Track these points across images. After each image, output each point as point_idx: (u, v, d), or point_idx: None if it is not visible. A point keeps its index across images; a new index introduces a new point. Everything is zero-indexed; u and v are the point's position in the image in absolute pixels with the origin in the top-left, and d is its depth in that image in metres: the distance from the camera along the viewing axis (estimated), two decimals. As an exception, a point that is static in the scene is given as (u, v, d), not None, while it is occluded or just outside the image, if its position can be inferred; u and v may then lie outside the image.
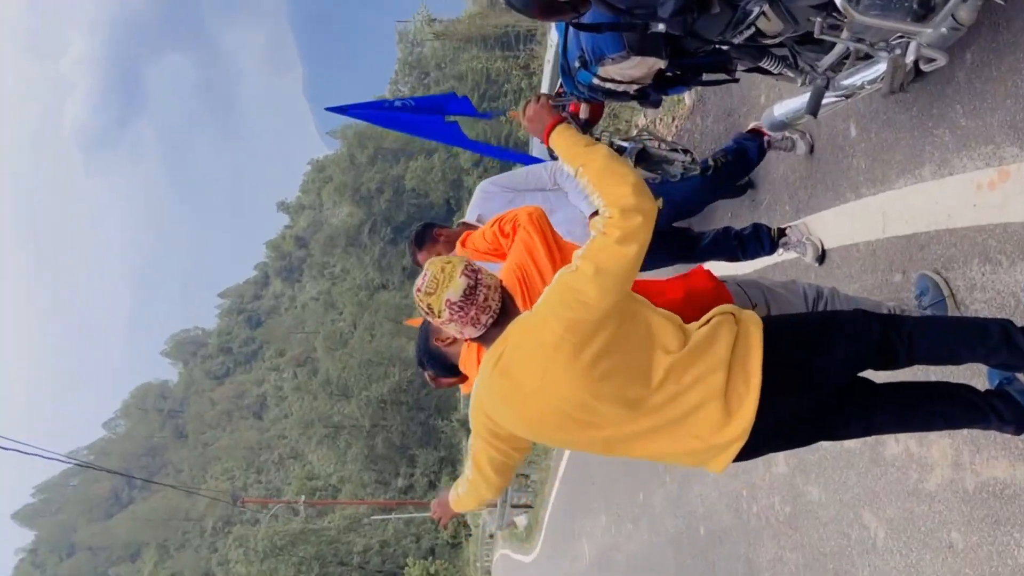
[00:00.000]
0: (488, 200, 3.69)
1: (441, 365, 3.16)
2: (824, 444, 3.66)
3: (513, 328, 1.99)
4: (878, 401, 2.17)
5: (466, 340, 2.10)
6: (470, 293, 1.95)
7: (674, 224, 4.16)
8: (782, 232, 3.84)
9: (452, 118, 4.94)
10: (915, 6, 2.25)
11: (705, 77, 3.10)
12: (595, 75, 2.86)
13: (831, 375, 2.07)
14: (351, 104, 4.94)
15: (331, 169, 59.86)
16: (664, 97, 3.32)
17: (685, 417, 1.97)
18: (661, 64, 2.83)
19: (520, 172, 3.80)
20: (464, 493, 2.47)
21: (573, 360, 1.92)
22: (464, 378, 3.28)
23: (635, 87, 2.93)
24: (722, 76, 3.09)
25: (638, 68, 2.80)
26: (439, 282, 1.95)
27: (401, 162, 50.99)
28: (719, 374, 1.95)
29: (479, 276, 1.98)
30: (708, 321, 2.06)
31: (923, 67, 2.44)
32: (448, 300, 1.94)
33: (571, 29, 2.86)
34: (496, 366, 1.99)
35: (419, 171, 47.39)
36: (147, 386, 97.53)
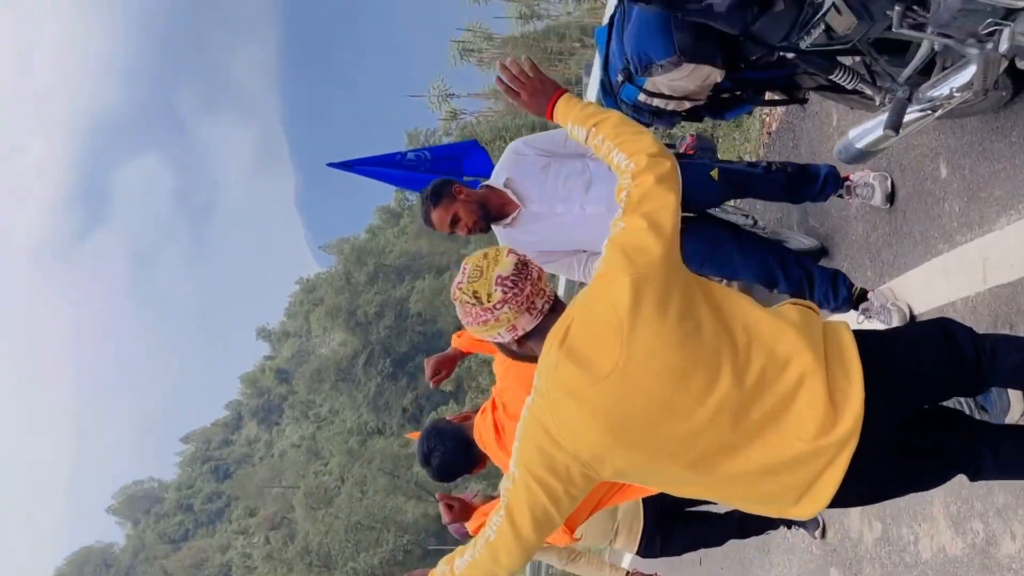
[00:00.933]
0: (520, 164, 3.71)
1: (455, 449, 3.20)
2: (924, 556, 3.58)
3: (576, 305, 2.02)
4: (983, 435, 2.18)
5: (516, 339, 2.06)
6: (522, 268, 2.00)
7: None
8: (863, 295, 3.88)
9: (470, 178, 5.12)
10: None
11: (768, 96, 3.23)
12: (642, 88, 3.00)
13: (924, 383, 2.09)
14: (356, 159, 5.14)
15: (323, 290, 60.80)
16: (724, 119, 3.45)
17: (785, 407, 1.96)
18: (717, 76, 2.97)
19: (559, 133, 3.71)
20: (465, 567, 2.14)
21: (660, 317, 1.92)
22: (483, 464, 3.29)
23: (687, 105, 3.07)
24: (787, 97, 3.23)
25: (690, 78, 2.94)
26: (484, 267, 2.01)
27: (406, 282, 51.76)
28: (814, 352, 1.97)
29: (526, 257, 2.05)
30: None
31: (1020, 63, 2.55)
32: (499, 276, 1.98)
33: (614, 39, 3.03)
34: (562, 346, 1.96)
35: (427, 292, 47.82)
36: (87, 551, 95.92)
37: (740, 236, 3.97)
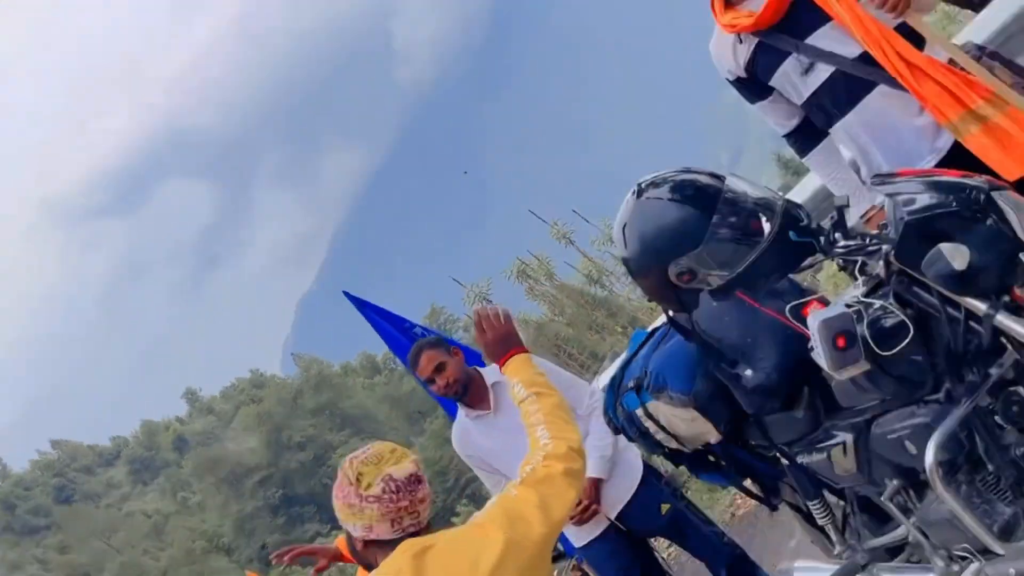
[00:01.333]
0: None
1: None
2: None
3: (444, 535, 1.99)
4: None
5: (364, 540, 2.05)
6: (414, 482, 2.01)
7: None
8: None
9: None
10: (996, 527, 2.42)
11: (747, 483, 3.25)
12: (643, 405, 3.04)
13: None
14: (372, 304, 5.22)
15: (268, 392, 60.04)
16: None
17: None
18: (712, 437, 3.00)
19: (561, 379, 3.89)
20: None
21: None
22: None
23: (673, 444, 3.08)
24: (761, 494, 3.24)
25: (689, 425, 2.97)
26: (383, 458, 2.04)
27: (345, 433, 50.98)
28: None
29: (424, 476, 2.05)
30: None
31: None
32: (390, 475, 1.99)
33: (647, 348, 3.11)
34: (415, 559, 1.92)
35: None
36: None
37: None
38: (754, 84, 2.93)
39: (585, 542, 4.00)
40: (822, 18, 2.64)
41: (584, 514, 3.83)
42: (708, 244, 2.19)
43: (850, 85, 2.71)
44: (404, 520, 2.00)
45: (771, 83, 2.86)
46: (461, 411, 3.99)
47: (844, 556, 2.99)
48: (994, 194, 1.99)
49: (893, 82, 2.58)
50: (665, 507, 3.90)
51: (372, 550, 2.05)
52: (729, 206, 2.20)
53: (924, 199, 2.02)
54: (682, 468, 3.34)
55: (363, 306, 5.24)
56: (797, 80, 2.79)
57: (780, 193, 2.27)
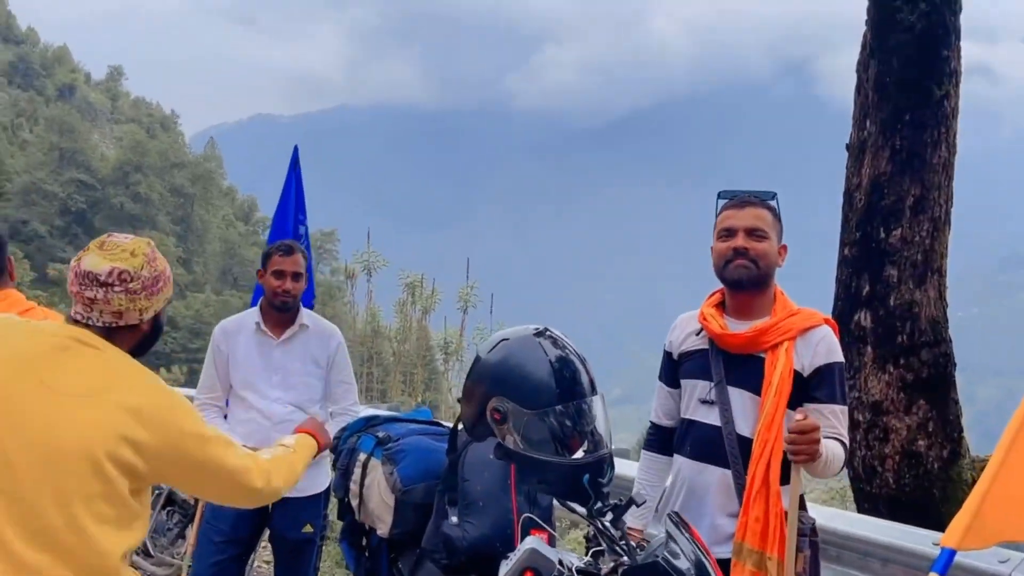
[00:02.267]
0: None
1: None
2: None
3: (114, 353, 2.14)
4: None
5: None
6: (90, 279, 2.12)
7: None
8: None
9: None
10: None
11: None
12: (370, 455, 3.11)
13: None
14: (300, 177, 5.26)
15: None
16: None
17: None
18: (381, 529, 3.08)
19: (346, 373, 4.18)
20: None
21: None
22: None
23: (354, 502, 3.15)
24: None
25: (379, 502, 3.04)
26: (114, 247, 2.16)
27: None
28: None
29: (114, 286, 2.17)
30: None
31: None
32: (82, 260, 2.16)
33: (419, 427, 3.21)
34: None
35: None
36: None
37: None
38: (674, 370, 3.06)
39: None
40: (754, 388, 2.79)
41: None
42: (537, 417, 2.31)
43: (714, 447, 2.85)
44: (76, 305, 2.12)
45: (681, 382, 3.00)
46: (255, 315, 4.03)
47: None
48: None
49: (740, 478, 2.77)
50: (308, 528, 3.93)
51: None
52: (577, 413, 2.33)
53: (683, 564, 2.16)
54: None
55: (295, 170, 5.26)
56: (695, 402, 2.93)
57: (611, 447, 2.39)
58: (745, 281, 2.81)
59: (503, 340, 2.45)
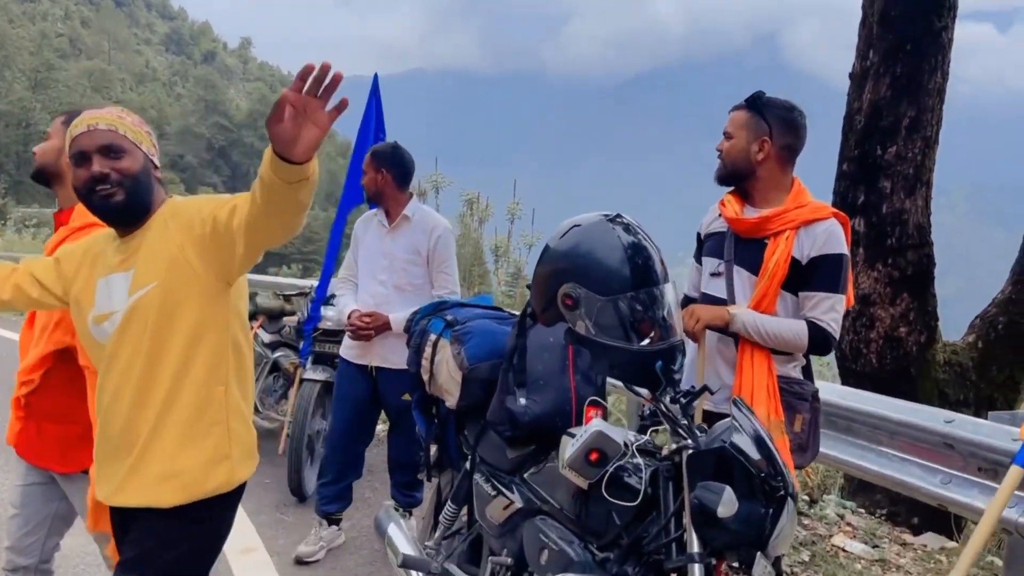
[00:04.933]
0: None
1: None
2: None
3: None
4: None
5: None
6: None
7: None
8: None
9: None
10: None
11: (433, 447, 2.79)
12: (439, 335, 2.56)
13: None
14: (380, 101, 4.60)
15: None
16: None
17: None
18: (450, 401, 2.54)
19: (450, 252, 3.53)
20: None
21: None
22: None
23: (424, 376, 2.61)
24: (432, 462, 2.79)
25: (447, 378, 2.49)
26: (101, 113, 1.77)
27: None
28: None
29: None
30: None
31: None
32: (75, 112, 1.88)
33: (483, 311, 2.63)
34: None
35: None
36: None
37: None
38: (700, 248, 2.60)
39: (347, 357, 3.50)
40: (755, 269, 2.33)
41: (361, 330, 3.35)
42: (611, 303, 1.72)
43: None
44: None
45: (702, 259, 2.55)
46: (374, 211, 3.56)
47: (424, 550, 2.59)
48: (790, 498, 1.59)
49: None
50: (407, 396, 3.39)
51: None
52: (651, 300, 1.73)
53: (750, 448, 1.60)
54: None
55: (375, 94, 4.60)
56: (707, 276, 2.50)
57: (682, 334, 1.81)
58: (717, 177, 2.47)
59: (575, 226, 1.83)
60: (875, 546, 3.80)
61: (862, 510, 4.35)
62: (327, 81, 1.35)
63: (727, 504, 1.52)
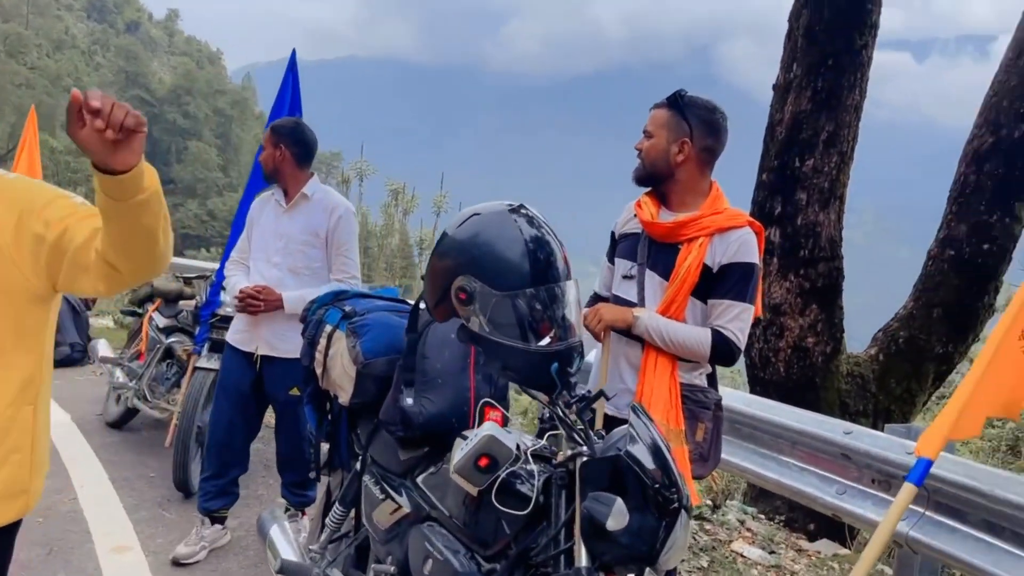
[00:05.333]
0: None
1: None
2: None
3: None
4: None
5: None
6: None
7: None
8: None
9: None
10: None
11: (324, 446, 2.63)
12: (335, 327, 2.40)
13: None
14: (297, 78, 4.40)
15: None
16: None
17: None
18: (343, 398, 2.40)
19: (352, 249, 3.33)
20: None
21: None
22: None
23: (318, 370, 2.45)
24: (321, 462, 2.63)
25: (340, 372, 2.34)
26: None
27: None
28: None
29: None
30: None
31: None
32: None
33: (384, 304, 2.48)
34: None
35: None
36: None
37: None
38: (613, 249, 2.50)
39: (233, 342, 3.27)
40: (667, 274, 2.26)
41: (249, 301, 3.11)
42: (508, 299, 1.60)
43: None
44: None
45: (615, 260, 2.46)
46: (272, 189, 3.34)
47: (309, 554, 2.43)
48: (684, 511, 1.51)
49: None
50: (295, 391, 3.17)
51: None
52: (551, 297, 1.62)
53: (646, 458, 1.52)
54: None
55: (292, 71, 4.39)
56: (619, 278, 2.41)
57: (581, 335, 1.71)
58: (635, 177, 2.36)
59: (474, 215, 1.69)
60: (772, 552, 3.84)
61: (763, 516, 4.40)
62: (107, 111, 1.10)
63: (617, 516, 1.43)
